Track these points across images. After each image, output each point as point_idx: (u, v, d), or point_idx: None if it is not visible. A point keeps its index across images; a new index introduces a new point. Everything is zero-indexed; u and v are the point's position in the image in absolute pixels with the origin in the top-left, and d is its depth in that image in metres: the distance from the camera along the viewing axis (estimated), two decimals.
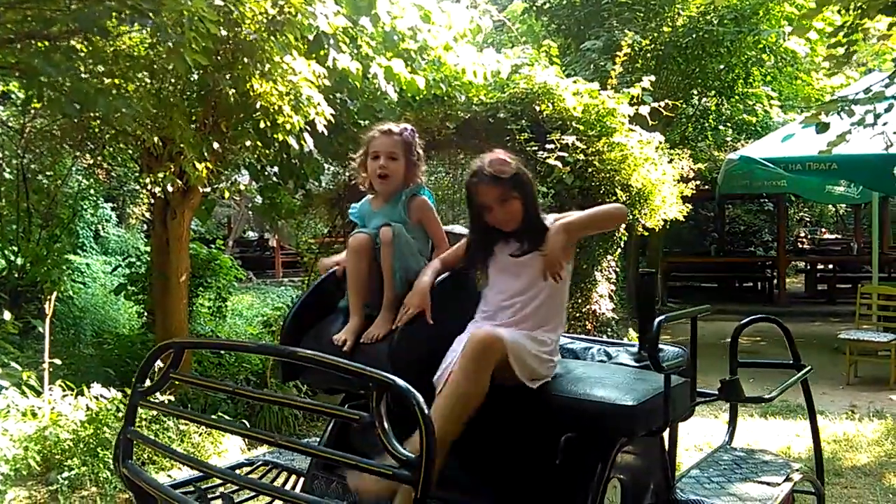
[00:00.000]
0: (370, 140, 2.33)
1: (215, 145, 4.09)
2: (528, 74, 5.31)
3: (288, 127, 3.94)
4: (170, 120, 3.63)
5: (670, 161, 5.80)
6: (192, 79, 4.04)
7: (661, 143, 5.56)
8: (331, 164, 6.49)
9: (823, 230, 17.78)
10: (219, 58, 3.69)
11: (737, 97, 8.58)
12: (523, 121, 5.23)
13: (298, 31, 3.49)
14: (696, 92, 8.46)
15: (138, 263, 6.31)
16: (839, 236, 16.26)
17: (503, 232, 2.13)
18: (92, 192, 7.67)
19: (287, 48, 3.49)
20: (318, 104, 3.70)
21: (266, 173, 5.66)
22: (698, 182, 7.03)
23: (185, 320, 5.03)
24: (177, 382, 2.86)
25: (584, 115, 5.34)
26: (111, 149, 5.10)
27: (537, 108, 5.34)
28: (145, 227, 11.48)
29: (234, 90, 3.51)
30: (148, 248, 6.77)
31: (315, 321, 2.24)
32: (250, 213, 14.46)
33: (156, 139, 3.78)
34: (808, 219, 16.87)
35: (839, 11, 3.50)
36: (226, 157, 4.65)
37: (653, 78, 5.96)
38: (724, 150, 8.53)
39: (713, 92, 8.53)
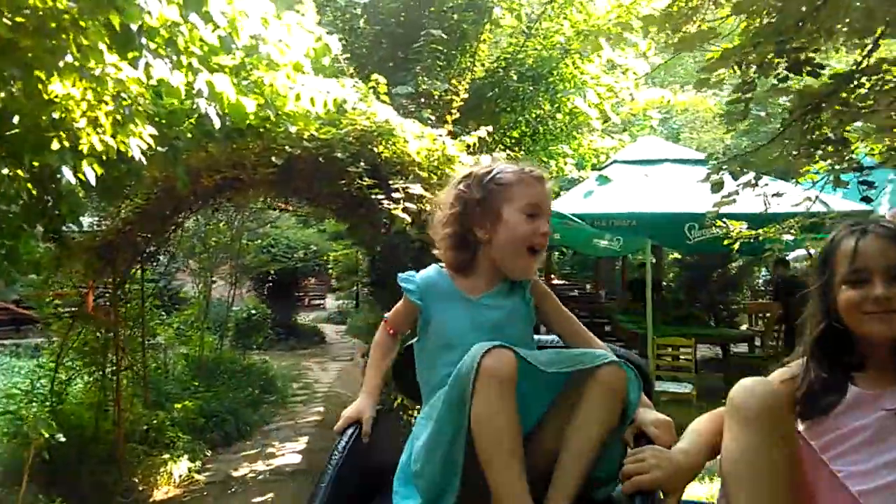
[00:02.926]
0: (516, 185, 1.63)
1: None
2: (368, 110, 4.55)
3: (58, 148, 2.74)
4: None
5: None
6: None
7: None
8: (94, 203, 5.09)
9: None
10: None
11: (532, 151, 8.72)
12: (362, 163, 4.44)
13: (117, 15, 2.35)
14: (501, 146, 8.42)
15: None
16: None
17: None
18: None
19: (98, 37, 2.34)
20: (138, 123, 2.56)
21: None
22: None
23: None
24: None
25: (425, 160, 4.71)
26: None
27: (375, 150, 4.59)
28: None
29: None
30: None
31: None
32: None
33: None
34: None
35: (737, 68, 3.33)
36: None
37: (490, 128, 5.56)
38: None
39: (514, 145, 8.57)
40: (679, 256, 13.88)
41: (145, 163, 3.13)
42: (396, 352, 1.82)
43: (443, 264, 1.71)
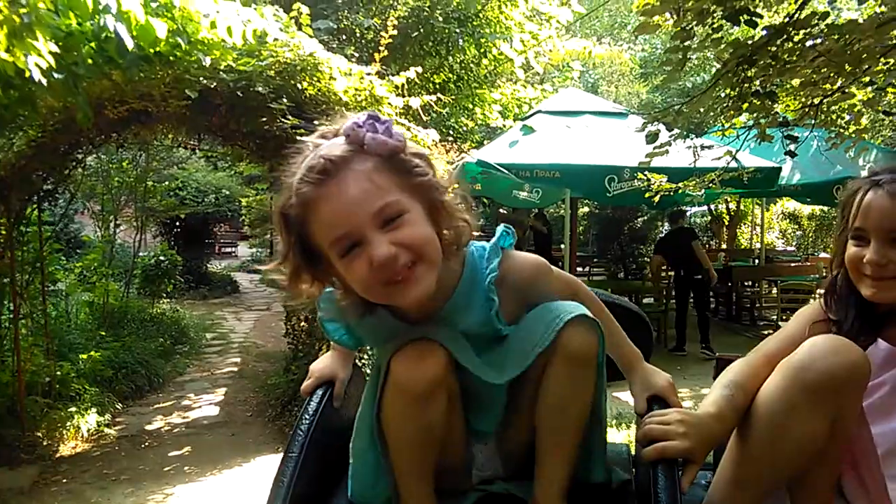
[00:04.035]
0: (292, 211, 1.07)
1: None
2: (291, 41, 4.25)
3: None
4: None
5: (451, 163, 5.27)
6: None
7: (435, 141, 4.98)
8: None
9: None
10: None
11: (457, 98, 8.53)
12: (284, 99, 4.17)
13: None
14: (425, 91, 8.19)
15: None
16: None
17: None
18: None
19: None
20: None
21: None
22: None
23: None
24: None
25: (352, 100, 4.48)
26: None
27: (299, 87, 4.32)
28: None
29: None
30: None
31: None
32: None
33: None
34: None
35: (676, 14, 3.29)
36: None
37: (419, 69, 5.36)
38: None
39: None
40: (588, 210, 14.18)
41: (45, 85, 2.77)
42: None
43: None
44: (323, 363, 1.45)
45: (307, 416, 1.28)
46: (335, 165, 1.04)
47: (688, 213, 10.49)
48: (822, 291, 1.49)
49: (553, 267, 1.31)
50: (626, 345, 1.35)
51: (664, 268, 8.74)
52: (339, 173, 1.03)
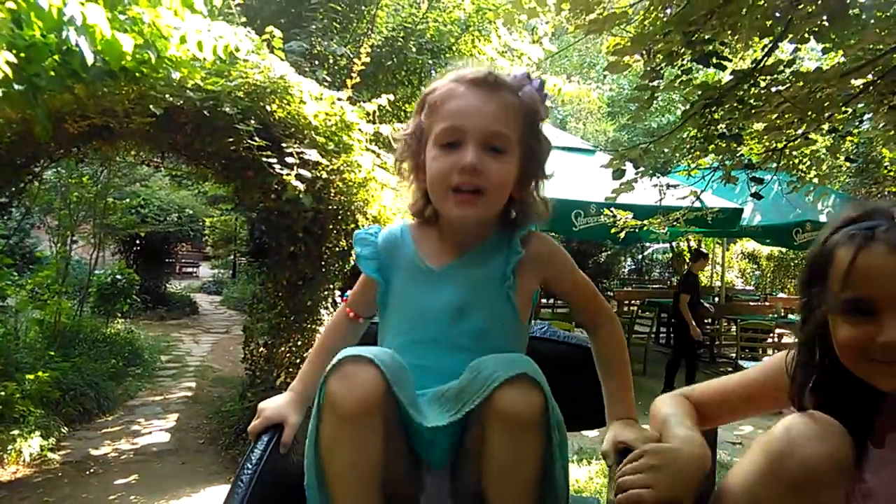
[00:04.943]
0: (442, 104, 1.23)
1: None
2: (262, 63, 4.21)
3: None
4: None
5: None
6: None
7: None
8: None
9: None
10: None
11: None
12: (252, 121, 4.11)
13: None
14: (396, 119, 8.21)
15: None
16: None
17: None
18: None
19: None
20: None
21: None
22: None
23: None
24: None
25: (322, 125, 4.44)
26: None
27: (268, 109, 4.26)
28: None
29: None
30: None
31: None
32: None
33: None
34: None
35: (646, 55, 3.34)
36: None
37: (392, 97, 5.35)
38: None
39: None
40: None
41: (1, 96, 2.67)
42: (357, 340, 1.43)
43: (410, 224, 1.38)
44: (275, 403, 1.35)
45: (249, 466, 1.17)
46: (491, 82, 1.21)
47: (649, 250, 10.64)
48: (791, 383, 1.15)
49: (579, 270, 1.35)
50: (613, 397, 1.29)
51: (629, 302, 8.79)
52: (488, 89, 1.21)
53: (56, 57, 3.16)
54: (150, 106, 3.80)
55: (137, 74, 3.91)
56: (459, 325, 1.22)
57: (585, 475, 4.71)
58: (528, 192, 1.28)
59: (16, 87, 3.16)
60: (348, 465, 1.11)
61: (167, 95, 3.87)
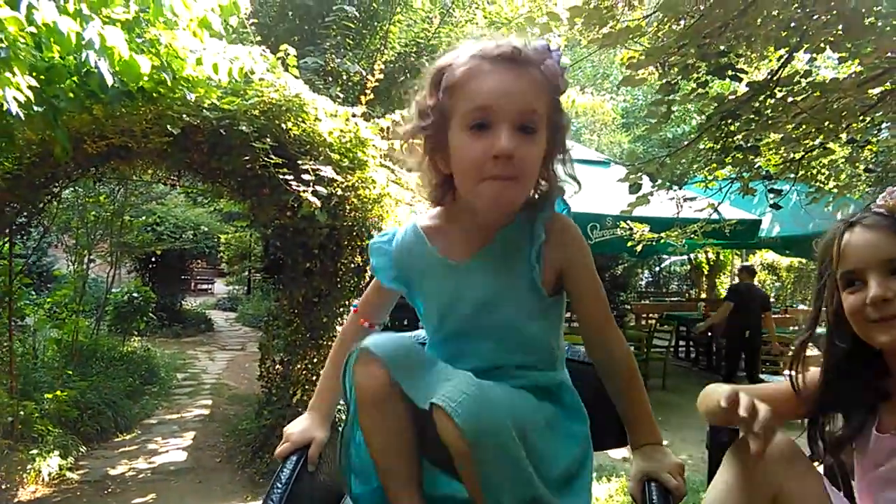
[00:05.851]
0: (465, 84, 1.13)
1: None
2: (277, 82, 4.23)
3: None
4: None
5: None
6: None
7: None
8: None
9: None
10: None
11: None
12: (268, 139, 4.13)
13: None
14: None
15: None
16: None
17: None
18: None
19: None
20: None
21: None
22: None
23: None
24: None
25: (336, 142, 4.46)
26: None
27: (283, 126, 4.29)
28: None
29: None
30: None
31: None
32: None
33: None
34: None
35: (661, 68, 3.33)
36: None
37: (405, 112, 5.34)
38: None
39: None
40: None
41: (23, 118, 2.70)
42: None
43: (420, 221, 1.31)
44: (299, 427, 1.35)
45: (279, 486, 1.18)
46: (518, 57, 1.12)
47: (667, 262, 10.56)
48: (797, 378, 1.35)
49: (595, 271, 1.27)
50: (634, 420, 1.25)
51: (647, 315, 8.70)
52: (517, 65, 1.12)
53: (75, 78, 3.20)
54: (168, 125, 3.84)
55: (154, 95, 3.96)
56: (487, 318, 1.21)
57: (605, 493, 4.64)
58: (551, 170, 1.23)
59: (36, 108, 3.20)
60: (383, 444, 1.18)
61: (184, 115, 3.90)
